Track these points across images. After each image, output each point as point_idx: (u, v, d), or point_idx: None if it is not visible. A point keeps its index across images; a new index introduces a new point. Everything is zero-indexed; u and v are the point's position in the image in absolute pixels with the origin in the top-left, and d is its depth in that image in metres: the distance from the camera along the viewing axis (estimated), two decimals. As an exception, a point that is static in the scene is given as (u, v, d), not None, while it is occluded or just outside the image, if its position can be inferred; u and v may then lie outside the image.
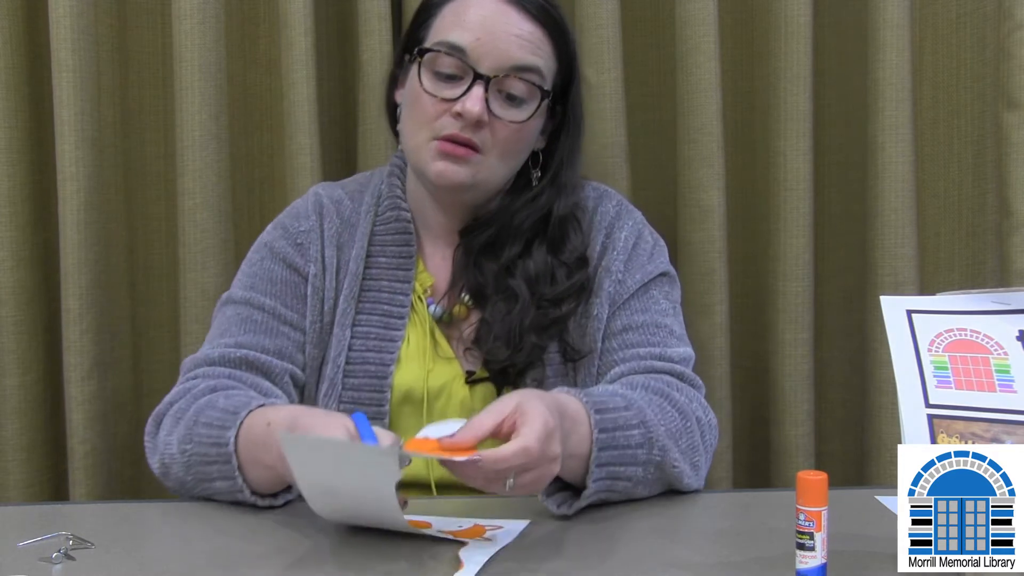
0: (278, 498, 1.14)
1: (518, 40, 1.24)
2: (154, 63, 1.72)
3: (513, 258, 1.29)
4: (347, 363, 1.27)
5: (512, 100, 1.24)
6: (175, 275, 1.68)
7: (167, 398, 1.23)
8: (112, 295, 1.69)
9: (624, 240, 1.33)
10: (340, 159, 1.74)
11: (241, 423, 1.12)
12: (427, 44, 1.26)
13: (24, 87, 1.66)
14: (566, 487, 1.12)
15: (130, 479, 1.73)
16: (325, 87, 1.69)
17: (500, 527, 1.06)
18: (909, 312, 0.97)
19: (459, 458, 0.96)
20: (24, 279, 1.65)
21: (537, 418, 0.99)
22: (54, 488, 1.70)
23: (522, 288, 1.26)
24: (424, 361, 1.28)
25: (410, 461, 1.04)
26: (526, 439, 0.97)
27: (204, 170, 1.62)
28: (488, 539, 1.03)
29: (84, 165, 1.60)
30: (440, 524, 1.06)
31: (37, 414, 1.68)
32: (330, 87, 1.72)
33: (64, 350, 1.63)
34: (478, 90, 1.22)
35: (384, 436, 1.02)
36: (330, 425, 1.02)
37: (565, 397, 1.10)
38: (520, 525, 1.07)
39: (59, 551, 0.98)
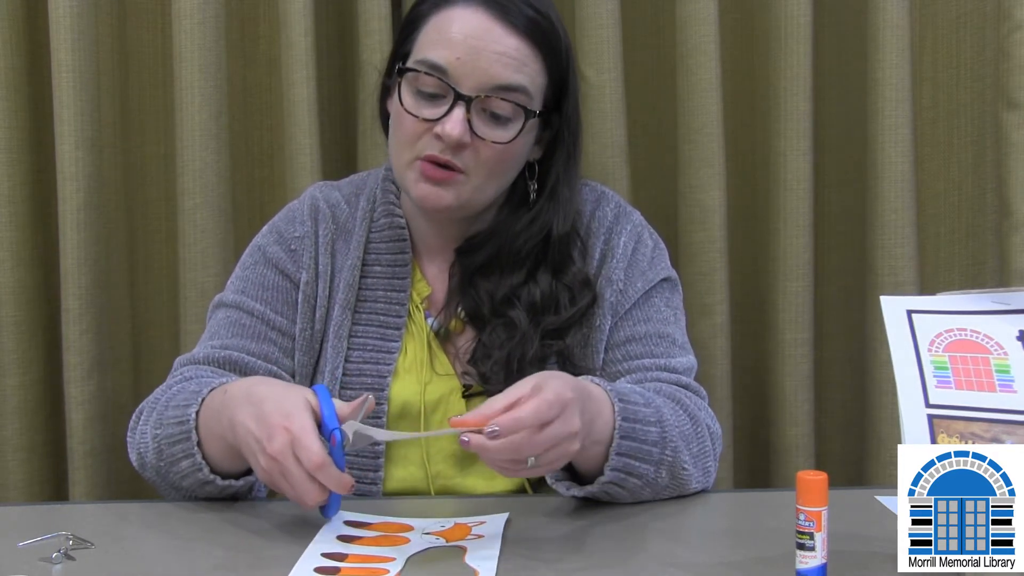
0: (239, 480, 1.13)
1: (502, 58, 1.18)
2: (154, 63, 1.72)
3: (517, 286, 1.26)
4: (344, 374, 1.25)
5: (496, 119, 1.20)
6: (175, 275, 1.68)
7: (149, 397, 1.23)
8: (112, 295, 1.69)
9: (623, 246, 1.30)
10: (340, 159, 1.74)
11: (203, 400, 1.12)
12: (410, 61, 1.22)
13: (24, 87, 1.66)
14: (575, 477, 1.12)
15: (130, 479, 1.72)
16: (325, 87, 1.68)
17: (483, 522, 1.06)
18: (909, 312, 0.97)
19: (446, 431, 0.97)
20: (24, 279, 1.66)
21: (550, 391, 0.97)
22: (54, 488, 1.70)
23: (522, 318, 1.23)
24: (421, 374, 1.26)
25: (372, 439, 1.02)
26: (532, 403, 0.95)
27: (204, 170, 1.62)
28: (479, 535, 1.03)
29: (84, 165, 1.60)
30: (422, 524, 1.06)
31: (37, 414, 1.68)
32: (330, 87, 1.72)
33: (64, 350, 1.63)
34: (459, 112, 1.17)
35: (343, 408, 1.01)
36: (288, 397, 1.01)
37: (589, 383, 1.09)
38: (501, 518, 1.07)
39: (59, 551, 0.98)
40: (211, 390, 1.13)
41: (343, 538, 1.02)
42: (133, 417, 1.23)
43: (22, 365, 1.66)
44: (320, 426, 1.00)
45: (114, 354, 1.70)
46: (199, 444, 1.11)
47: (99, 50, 1.65)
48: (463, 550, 0.99)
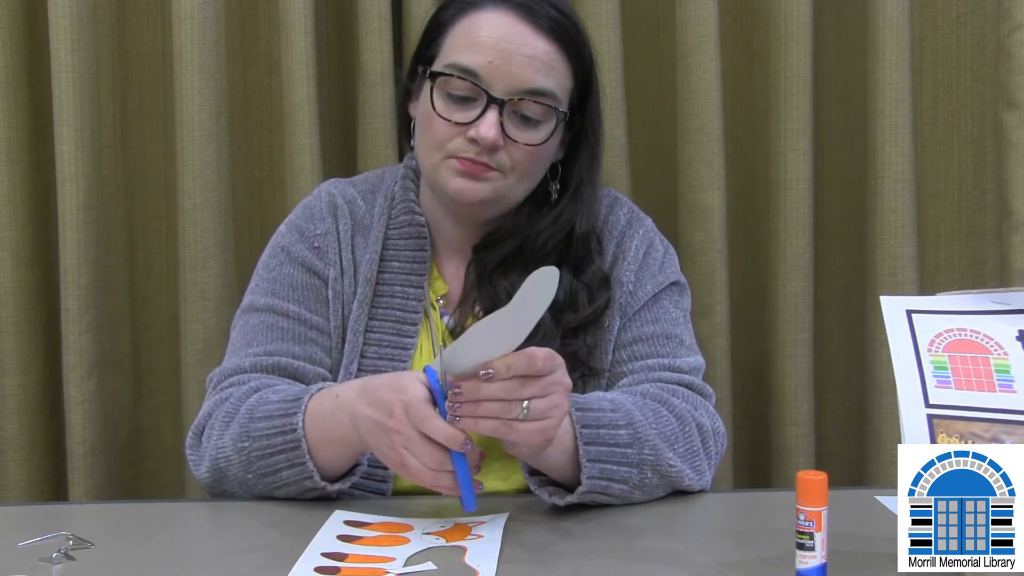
0: (344, 481, 1.15)
1: (532, 61, 1.19)
2: (154, 63, 1.72)
3: None
4: (359, 370, 1.25)
5: (527, 121, 1.21)
6: (175, 275, 1.68)
7: (204, 410, 1.22)
8: (112, 295, 1.69)
9: (635, 250, 1.32)
10: (340, 159, 1.74)
11: (305, 407, 1.12)
12: (439, 65, 1.22)
13: (24, 87, 1.66)
14: (562, 487, 1.12)
15: (130, 479, 1.73)
16: (325, 87, 1.69)
17: (483, 522, 1.07)
18: (909, 312, 0.97)
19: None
20: (24, 279, 1.66)
21: (544, 348, 1.01)
22: (54, 488, 1.70)
23: (546, 317, 1.22)
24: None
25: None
26: (532, 349, 0.99)
27: (204, 170, 1.62)
28: (479, 536, 1.03)
29: (84, 165, 1.60)
30: (422, 524, 1.06)
31: (37, 414, 1.68)
32: (330, 87, 1.72)
33: (64, 350, 1.63)
34: (492, 115, 1.18)
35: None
36: (401, 376, 1.05)
37: None
38: (501, 518, 1.07)
39: (59, 551, 0.98)
40: (311, 396, 1.13)
41: (343, 538, 1.03)
42: (190, 436, 1.22)
43: (22, 365, 1.66)
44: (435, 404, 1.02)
45: (114, 354, 1.70)
46: (309, 452, 1.11)
47: (99, 50, 1.65)
48: (463, 550, 0.99)
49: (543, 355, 0.99)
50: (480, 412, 0.99)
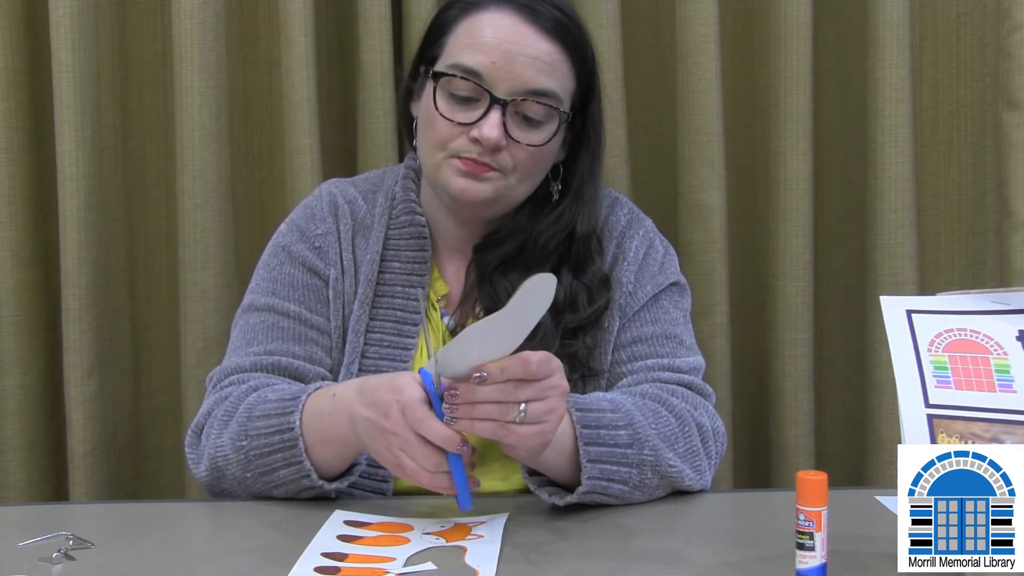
0: (342, 480, 1.15)
1: (535, 62, 1.20)
2: (154, 63, 1.72)
3: None
4: (360, 370, 1.25)
5: (530, 122, 1.21)
6: (175, 275, 1.68)
7: (204, 409, 1.22)
8: (112, 295, 1.69)
9: (635, 251, 1.32)
10: (340, 159, 1.74)
11: (303, 406, 1.12)
12: (441, 65, 1.22)
13: (24, 87, 1.66)
14: (561, 487, 1.12)
15: (130, 479, 1.73)
16: (325, 87, 1.69)
17: (483, 522, 1.07)
18: (909, 312, 0.97)
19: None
20: (24, 279, 1.66)
21: (540, 352, 1.00)
22: (54, 488, 1.70)
23: (546, 318, 1.22)
24: None
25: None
26: (527, 353, 0.99)
27: (204, 170, 1.62)
28: (479, 536, 1.03)
29: (84, 165, 1.60)
30: (422, 524, 1.06)
31: (37, 414, 1.68)
32: (330, 87, 1.72)
33: (64, 350, 1.63)
34: (495, 115, 1.19)
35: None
36: (398, 377, 1.05)
37: None
38: (501, 518, 1.07)
39: (59, 551, 0.98)
40: (308, 395, 1.13)
41: (343, 538, 1.03)
42: (189, 434, 1.22)
43: (22, 365, 1.66)
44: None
45: (114, 354, 1.70)
46: (306, 451, 1.11)
47: (99, 50, 1.65)
48: (463, 550, 0.99)
49: (537, 359, 0.99)
50: (476, 414, 0.99)
